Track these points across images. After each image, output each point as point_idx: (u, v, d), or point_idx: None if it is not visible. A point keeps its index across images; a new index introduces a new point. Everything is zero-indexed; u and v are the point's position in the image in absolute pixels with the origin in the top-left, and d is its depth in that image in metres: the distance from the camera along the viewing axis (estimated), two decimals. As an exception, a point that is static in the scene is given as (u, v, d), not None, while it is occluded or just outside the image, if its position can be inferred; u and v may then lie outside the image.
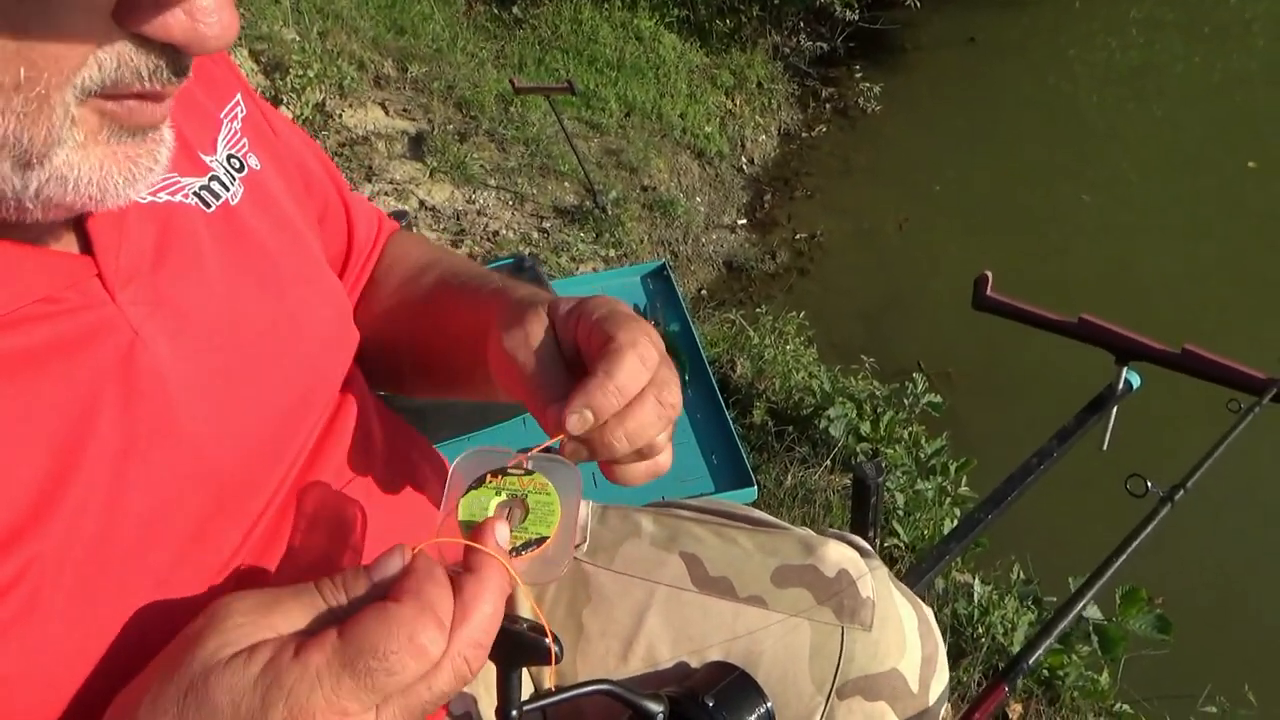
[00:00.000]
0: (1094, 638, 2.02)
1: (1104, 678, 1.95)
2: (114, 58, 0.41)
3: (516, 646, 0.55)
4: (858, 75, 5.44)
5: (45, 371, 0.46)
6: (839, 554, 0.81)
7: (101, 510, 0.47)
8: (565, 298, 0.60)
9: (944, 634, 2.11)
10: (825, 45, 5.55)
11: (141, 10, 0.40)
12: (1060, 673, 1.94)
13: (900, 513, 2.41)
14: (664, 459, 0.57)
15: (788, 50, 5.48)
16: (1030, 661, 0.85)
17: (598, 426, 0.52)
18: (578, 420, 0.51)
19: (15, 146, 0.40)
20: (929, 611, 0.85)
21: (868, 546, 0.85)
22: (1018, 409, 3.31)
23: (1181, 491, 1.26)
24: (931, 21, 5.95)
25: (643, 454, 0.55)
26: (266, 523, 0.57)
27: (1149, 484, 1.26)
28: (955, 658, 1.96)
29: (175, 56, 0.43)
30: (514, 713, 0.59)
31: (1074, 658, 1.96)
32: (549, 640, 0.54)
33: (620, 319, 0.55)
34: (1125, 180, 4.84)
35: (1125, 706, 1.93)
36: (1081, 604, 0.95)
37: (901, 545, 2.36)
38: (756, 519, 0.87)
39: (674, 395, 0.54)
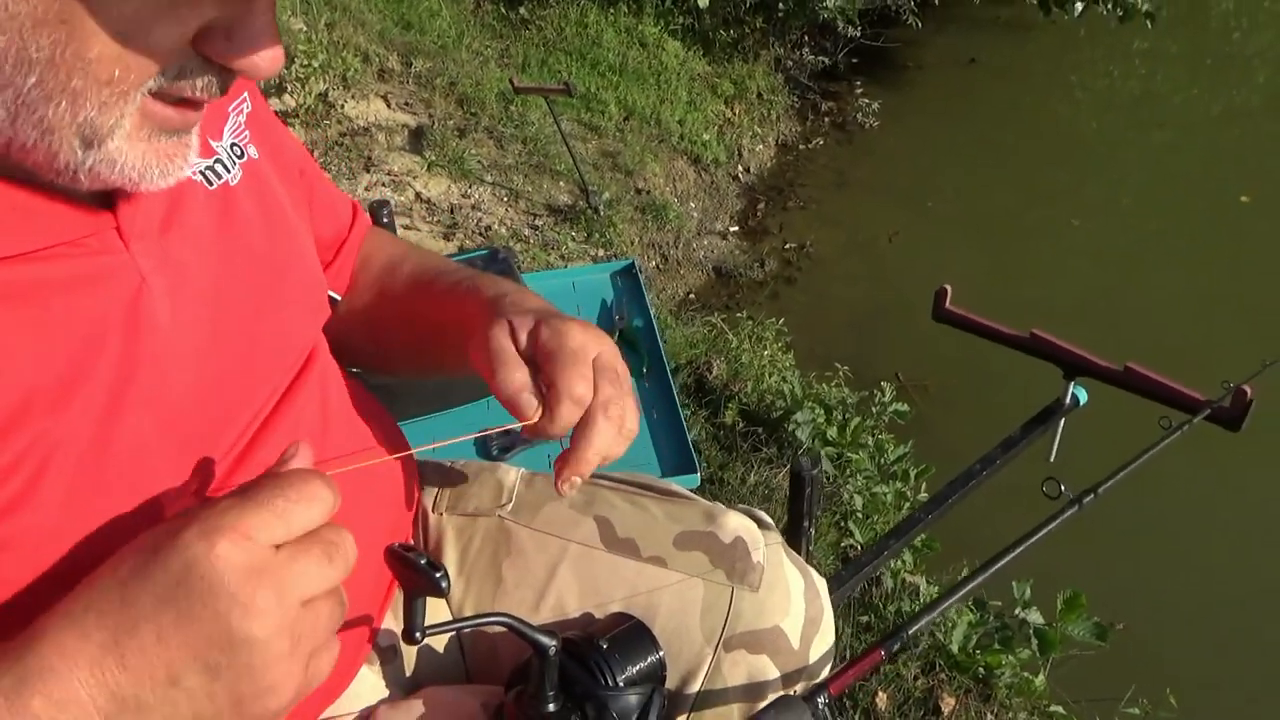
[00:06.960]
0: (1034, 641, 2.09)
1: (1040, 679, 2.02)
2: (177, 69, 0.50)
3: (414, 575, 0.65)
4: (858, 91, 5.51)
5: (66, 298, 0.54)
6: (737, 523, 0.89)
7: (99, 421, 0.55)
8: (519, 316, 0.74)
9: (888, 629, 2.19)
10: (827, 60, 5.62)
11: (214, 39, 0.50)
12: (997, 672, 2.02)
13: (859, 515, 2.49)
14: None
15: (790, 63, 5.57)
16: (909, 633, 0.93)
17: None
18: (567, 487, 0.72)
19: (86, 128, 0.48)
20: (820, 581, 0.93)
21: (767, 520, 0.93)
22: (990, 423, 3.36)
23: (1092, 496, 1.34)
24: (934, 41, 6.03)
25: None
26: (228, 464, 0.66)
27: (1062, 487, 1.34)
28: (897, 652, 2.03)
29: (224, 76, 0.52)
30: (418, 634, 0.69)
31: (1011, 658, 2.03)
32: (439, 575, 0.64)
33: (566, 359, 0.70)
34: (1119, 206, 4.91)
35: (1058, 708, 2.01)
36: (969, 587, 1.03)
37: (858, 546, 2.44)
38: (670, 490, 0.95)
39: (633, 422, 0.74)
